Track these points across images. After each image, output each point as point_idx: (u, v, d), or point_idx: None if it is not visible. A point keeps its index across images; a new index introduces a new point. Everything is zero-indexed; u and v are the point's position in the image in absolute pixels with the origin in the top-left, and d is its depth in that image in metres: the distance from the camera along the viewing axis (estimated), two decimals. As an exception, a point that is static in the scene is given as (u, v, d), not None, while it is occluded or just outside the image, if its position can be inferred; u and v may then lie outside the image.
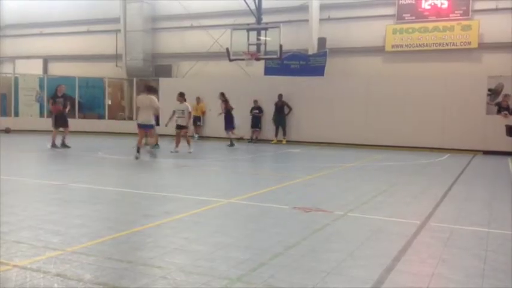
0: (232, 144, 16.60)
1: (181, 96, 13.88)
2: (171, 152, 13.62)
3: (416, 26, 19.03)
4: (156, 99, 12.49)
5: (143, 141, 12.51)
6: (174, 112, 13.85)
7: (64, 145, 14.57)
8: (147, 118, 12.10)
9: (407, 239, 4.99)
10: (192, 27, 22.85)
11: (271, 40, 16.56)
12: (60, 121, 14.66)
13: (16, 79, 23.07)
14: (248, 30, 16.90)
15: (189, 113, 13.90)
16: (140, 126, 12.13)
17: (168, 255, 4.23)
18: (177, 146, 13.80)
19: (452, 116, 16.50)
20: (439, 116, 16.70)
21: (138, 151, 11.89)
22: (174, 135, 14.22)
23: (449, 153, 15.61)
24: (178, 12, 22.85)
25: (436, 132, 16.69)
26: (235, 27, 17.49)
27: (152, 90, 12.70)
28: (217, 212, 6.23)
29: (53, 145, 14.48)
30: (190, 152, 13.58)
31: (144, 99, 12.21)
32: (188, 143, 13.94)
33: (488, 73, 16.75)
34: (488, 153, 15.67)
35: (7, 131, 20.96)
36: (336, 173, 10.73)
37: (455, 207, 6.94)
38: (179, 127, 13.86)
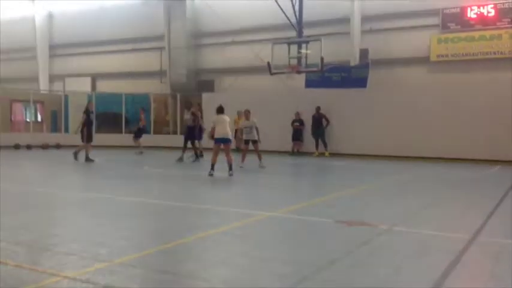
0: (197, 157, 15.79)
1: (249, 113, 13.89)
2: (240, 167, 13.06)
3: (462, 35, 18.58)
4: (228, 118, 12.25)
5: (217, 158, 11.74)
6: (237, 130, 13.75)
7: (88, 159, 14.86)
8: (226, 132, 11.68)
9: (456, 254, 4.82)
10: (233, 42, 23.17)
11: (312, 53, 16.57)
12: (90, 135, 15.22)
13: (66, 97, 24.02)
14: (289, 43, 16.99)
15: (256, 128, 13.79)
16: (218, 140, 11.71)
17: (211, 268, 4.26)
18: (243, 161, 13.56)
19: (501, 127, 15.92)
20: (487, 127, 16.17)
21: (212, 168, 11.38)
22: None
23: (499, 165, 15.05)
24: (219, 28, 23.23)
25: (485, 144, 16.14)
26: (276, 41, 17.60)
27: (223, 110, 12.24)
28: (259, 225, 6.23)
29: (76, 156, 14.94)
30: (263, 167, 13.38)
31: (219, 118, 11.85)
32: (259, 158, 13.70)
33: (539, 81, 16.11)
34: (542, 165, 15.00)
35: (57, 146, 21.79)
36: (380, 186, 10.54)
37: (506, 222, 6.66)
38: (247, 142, 13.83)
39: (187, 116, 16.06)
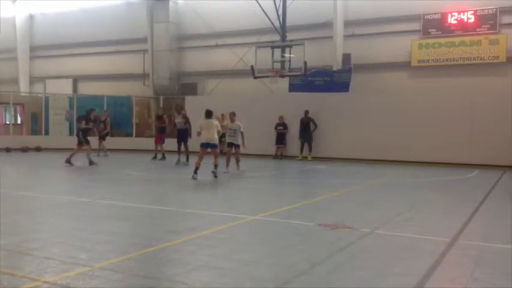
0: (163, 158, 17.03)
1: (234, 115, 13.83)
2: (224, 172, 12.85)
3: (443, 40, 18.85)
4: (218, 122, 12.40)
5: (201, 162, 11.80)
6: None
7: (91, 162, 14.90)
8: (212, 137, 11.76)
9: (436, 257, 4.88)
10: (217, 45, 23.16)
11: (296, 57, 16.65)
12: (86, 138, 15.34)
13: (46, 99, 23.70)
14: (272, 47, 17.06)
15: (242, 132, 13.55)
16: (203, 145, 11.80)
17: (193, 272, 4.24)
18: (227, 166, 13.37)
19: (480, 131, 16.21)
20: (467, 132, 16.43)
21: (195, 172, 11.44)
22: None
23: (478, 169, 15.29)
24: (203, 32, 23.20)
25: (464, 148, 16.41)
26: (259, 45, 17.65)
27: (211, 114, 12.41)
28: (242, 229, 6.23)
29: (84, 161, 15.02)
30: (240, 171, 13.51)
31: (206, 123, 11.90)
32: (237, 162, 13.69)
33: (517, 87, 16.43)
34: (520, 169, 15.29)
35: (37, 149, 21.49)
36: (362, 190, 10.62)
37: (485, 225, 6.78)
38: (231, 145, 13.72)
39: (179, 119, 16.23)
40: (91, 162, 14.78)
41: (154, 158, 17.49)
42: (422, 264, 4.58)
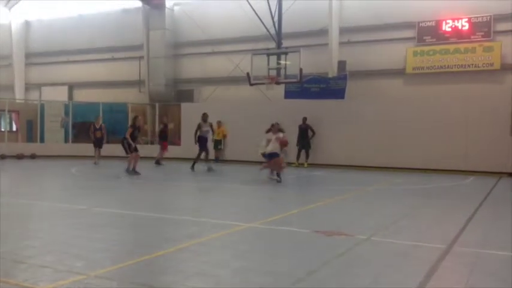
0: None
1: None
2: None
3: (437, 48, 18.96)
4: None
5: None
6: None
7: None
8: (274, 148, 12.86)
9: (432, 264, 4.88)
10: (213, 52, 23.20)
11: (291, 64, 16.71)
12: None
13: (42, 106, 23.63)
14: (268, 54, 17.10)
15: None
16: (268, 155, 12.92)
17: (189, 280, 4.23)
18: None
19: (475, 138, 16.27)
20: (462, 138, 16.49)
21: (279, 176, 12.71)
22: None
23: (473, 176, 15.34)
24: (199, 39, 23.24)
25: (459, 155, 16.45)
26: (255, 52, 17.70)
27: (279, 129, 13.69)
28: (237, 236, 6.22)
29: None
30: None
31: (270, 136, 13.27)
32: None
33: (512, 94, 16.53)
34: (515, 176, 15.34)
35: (32, 156, 21.41)
36: (358, 196, 10.63)
37: (481, 232, 6.79)
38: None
39: (206, 127, 16.49)
40: (134, 172, 14.39)
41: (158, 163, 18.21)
42: (419, 271, 4.59)
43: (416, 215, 8.23)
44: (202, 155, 16.16)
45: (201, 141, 16.25)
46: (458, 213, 8.31)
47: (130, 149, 14.45)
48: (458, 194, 11.57)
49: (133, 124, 14.93)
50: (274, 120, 19.13)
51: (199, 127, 16.15)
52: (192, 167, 15.88)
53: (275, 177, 12.77)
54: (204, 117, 16.57)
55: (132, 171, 14.29)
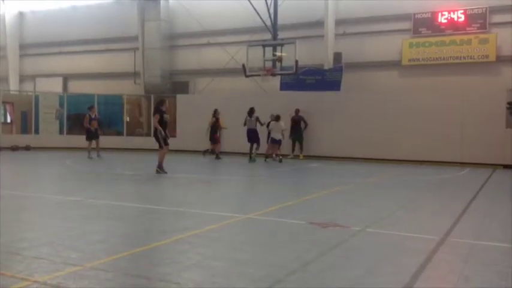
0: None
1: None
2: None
3: (433, 39, 18.97)
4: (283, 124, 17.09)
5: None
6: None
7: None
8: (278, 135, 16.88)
9: (426, 255, 4.91)
10: (208, 44, 23.11)
11: (287, 55, 16.68)
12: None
13: (36, 97, 23.49)
14: (264, 46, 17.07)
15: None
16: (275, 141, 16.82)
17: (185, 271, 4.24)
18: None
19: (471, 129, 16.33)
20: (457, 130, 16.55)
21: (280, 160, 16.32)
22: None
23: (468, 168, 15.41)
24: (195, 30, 23.14)
25: (454, 147, 16.52)
26: (251, 44, 17.65)
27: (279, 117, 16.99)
28: (234, 228, 6.23)
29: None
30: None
31: (275, 124, 16.93)
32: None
33: (507, 86, 16.59)
34: (509, 167, 15.43)
35: (27, 148, 21.32)
36: (353, 188, 10.66)
37: (475, 223, 6.83)
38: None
39: (252, 121, 17.08)
40: (159, 170, 12.23)
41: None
42: (413, 262, 4.61)
43: (411, 206, 8.27)
44: (255, 147, 17.15)
45: (250, 134, 16.86)
46: (453, 204, 8.35)
47: (165, 142, 12.09)
48: (453, 186, 11.62)
49: (158, 108, 12.25)
50: (269, 112, 19.27)
51: (246, 121, 16.96)
52: (253, 159, 16.89)
53: (277, 158, 16.34)
54: (251, 111, 17.00)
55: (161, 169, 12.16)
